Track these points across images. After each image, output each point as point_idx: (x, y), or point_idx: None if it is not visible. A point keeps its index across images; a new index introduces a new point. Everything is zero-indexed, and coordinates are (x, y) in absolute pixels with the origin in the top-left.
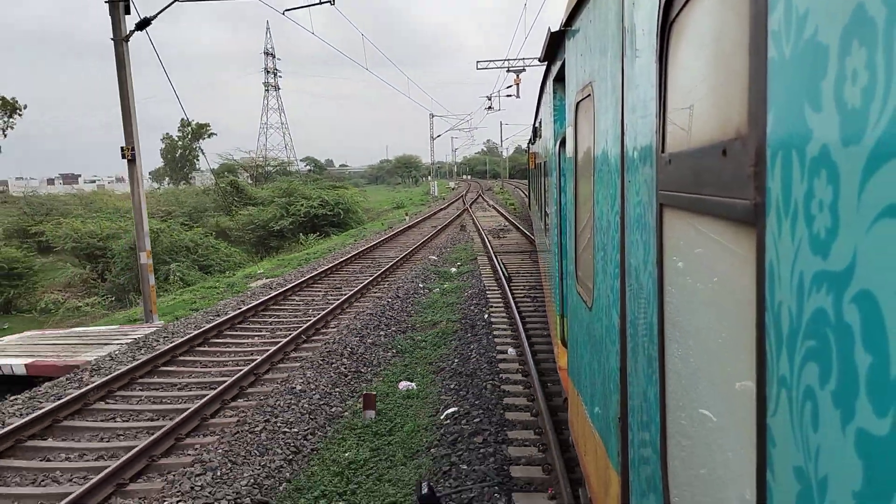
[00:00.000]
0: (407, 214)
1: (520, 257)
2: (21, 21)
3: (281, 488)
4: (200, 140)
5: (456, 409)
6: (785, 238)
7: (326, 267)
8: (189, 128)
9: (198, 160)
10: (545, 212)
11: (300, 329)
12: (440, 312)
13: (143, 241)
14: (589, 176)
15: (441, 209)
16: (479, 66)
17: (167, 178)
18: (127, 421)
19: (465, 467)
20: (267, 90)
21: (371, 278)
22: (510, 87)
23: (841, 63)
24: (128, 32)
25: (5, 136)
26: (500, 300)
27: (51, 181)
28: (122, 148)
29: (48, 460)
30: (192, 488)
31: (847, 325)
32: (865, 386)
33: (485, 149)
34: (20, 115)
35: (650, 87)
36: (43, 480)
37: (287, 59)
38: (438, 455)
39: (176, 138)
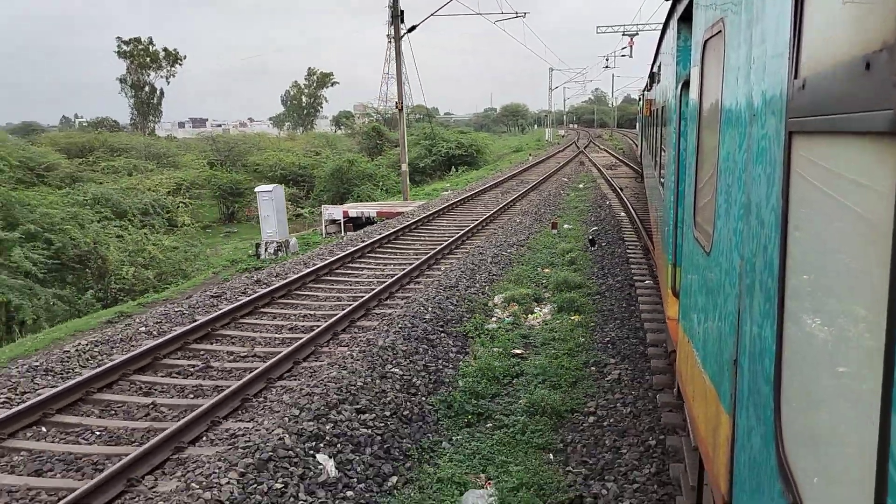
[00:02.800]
0: (530, 155)
1: (627, 180)
2: None
3: (524, 246)
4: (324, 88)
5: (596, 227)
6: None
7: (490, 184)
8: (315, 77)
9: (321, 107)
10: (659, 160)
11: (501, 205)
12: (578, 202)
13: (404, 156)
14: (715, 117)
15: (558, 152)
16: (598, 31)
17: (287, 124)
18: (443, 230)
19: (605, 240)
20: (389, 41)
21: (525, 189)
22: (624, 48)
23: None
24: (402, 34)
25: (169, 82)
26: (615, 197)
27: (181, 125)
28: (395, 104)
29: (417, 238)
30: (495, 240)
31: None
32: None
33: (592, 98)
34: (181, 64)
35: (785, 8)
36: (414, 246)
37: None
38: (593, 238)
39: (302, 86)
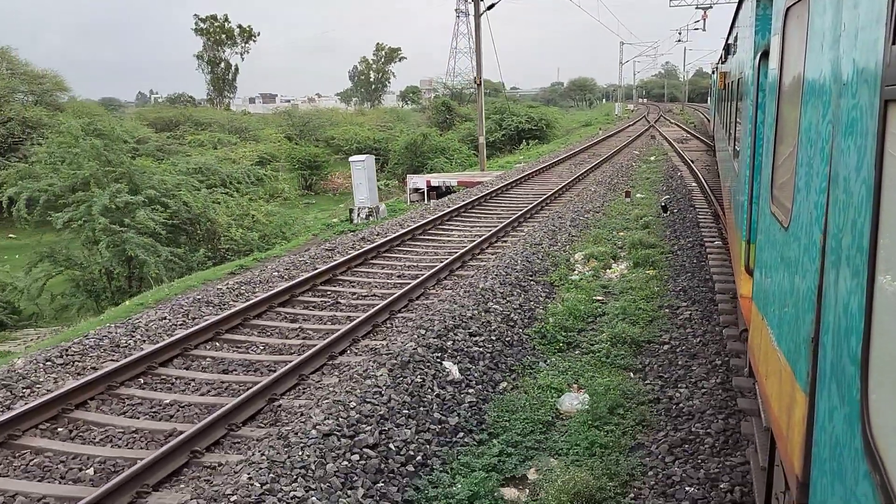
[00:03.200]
0: (600, 129)
1: (698, 153)
2: None
3: (600, 212)
4: (392, 63)
5: (668, 196)
6: None
7: (563, 156)
8: (382, 52)
9: (389, 83)
10: (733, 133)
11: (575, 176)
12: (649, 174)
13: (481, 129)
14: (796, 87)
15: (628, 126)
16: (671, 4)
17: (354, 99)
18: (522, 198)
19: (676, 207)
20: (457, 16)
21: (597, 161)
22: (698, 21)
23: None
24: (482, 11)
25: (243, 59)
26: (686, 169)
27: (252, 100)
28: (474, 78)
29: (499, 204)
30: (572, 207)
31: None
32: None
33: (662, 72)
34: (255, 41)
35: None
36: (497, 212)
37: None
38: (665, 204)
39: (370, 61)
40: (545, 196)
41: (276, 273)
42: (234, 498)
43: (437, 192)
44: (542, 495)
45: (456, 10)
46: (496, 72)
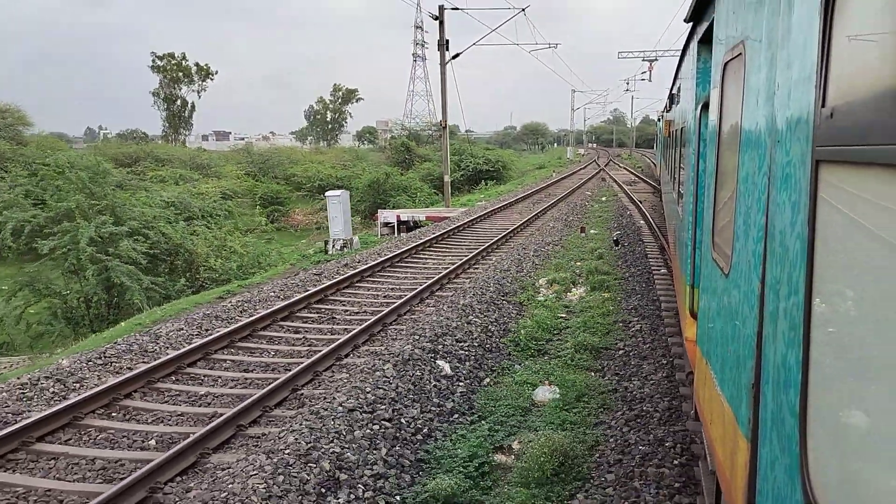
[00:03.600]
0: (554, 171)
1: (645, 195)
2: None
3: (559, 245)
4: (349, 104)
5: (619, 232)
6: None
7: (521, 196)
8: (340, 93)
9: (346, 123)
10: (678, 179)
11: (534, 213)
12: (602, 212)
13: (447, 169)
14: (734, 139)
15: (580, 169)
16: (620, 56)
17: (310, 138)
18: (488, 231)
19: (626, 241)
20: (415, 60)
21: (553, 200)
22: (644, 72)
23: None
24: (447, 60)
25: (200, 97)
26: (634, 208)
27: (205, 137)
28: (440, 122)
29: (467, 237)
30: (534, 240)
31: None
32: None
33: (611, 118)
34: (212, 79)
35: (812, 39)
36: (465, 243)
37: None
38: (617, 238)
39: (328, 102)
40: (508, 230)
41: (272, 294)
42: (287, 451)
43: (407, 226)
44: (527, 453)
45: (413, 54)
46: (457, 115)
